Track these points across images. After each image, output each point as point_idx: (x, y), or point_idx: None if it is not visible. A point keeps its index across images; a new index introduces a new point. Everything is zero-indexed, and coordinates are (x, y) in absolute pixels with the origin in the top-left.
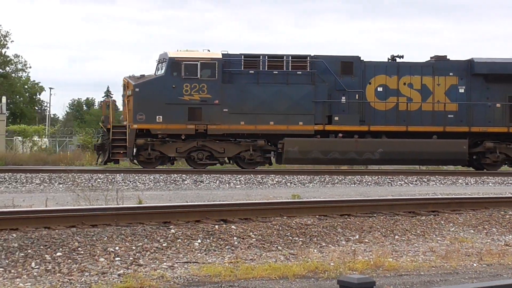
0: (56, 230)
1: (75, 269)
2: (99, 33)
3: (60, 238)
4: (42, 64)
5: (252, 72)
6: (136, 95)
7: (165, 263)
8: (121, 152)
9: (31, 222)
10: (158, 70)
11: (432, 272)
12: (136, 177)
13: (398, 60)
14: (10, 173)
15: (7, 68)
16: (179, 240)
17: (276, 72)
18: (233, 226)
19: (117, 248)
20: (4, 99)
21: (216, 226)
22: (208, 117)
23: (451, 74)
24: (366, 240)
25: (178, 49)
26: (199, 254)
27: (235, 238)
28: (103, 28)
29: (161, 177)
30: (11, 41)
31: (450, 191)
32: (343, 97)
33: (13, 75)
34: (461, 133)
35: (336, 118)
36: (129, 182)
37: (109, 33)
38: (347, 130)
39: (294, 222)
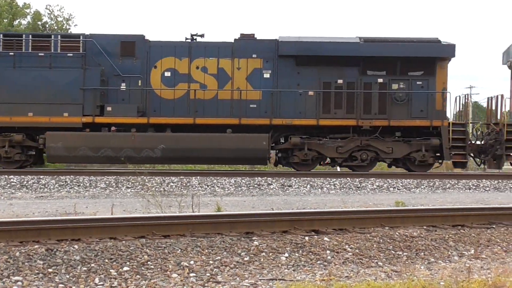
0: (123, 241)
1: (144, 286)
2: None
3: (128, 250)
4: None
5: (12, 54)
6: None
7: (247, 280)
8: None
9: (95, 232)
10: None
11: None
12: (215, 181)
13: (199, 39)
14: (72, 176)
15: None
16: (263, 253)
17: (42, 54)
18: (326, 238)
19: (192, 262)
20: None
21: (306, 238)
22: None
23: (254, 56)
24: (484, 256)
25: None
26: (286, 270)
27: (328, 251)
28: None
29: (243, 180)
30: (75, 25)
31: None
32: (123, 84)
33: None
34: (262, 126)
35: (109, 109)
36: (206, 187)
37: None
38: (122, 123)
39: (397, 233)
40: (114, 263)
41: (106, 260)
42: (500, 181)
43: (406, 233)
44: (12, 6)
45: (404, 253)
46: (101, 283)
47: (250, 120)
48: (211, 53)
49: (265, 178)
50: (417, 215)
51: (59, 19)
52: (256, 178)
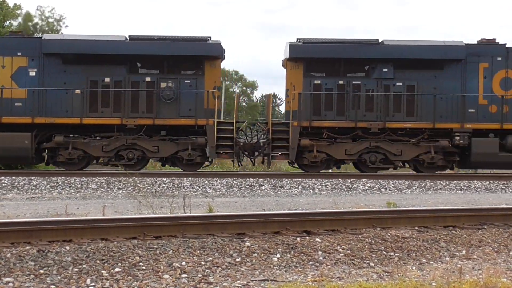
0: (115, 242)
1: (135, 287)
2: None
3: (119, 251)
4: None
5: None
6: None
7: (238, 281)
8: None
9: (87, 233)
10: None
11: None
12: (206, 182)
13: None
14: (63, 177)
15: None
16: (255, 254)
17: None
18: (317, 239)
19: (183, 263)
20: None
21: (298, 239)
22: None
23: (19, 54)
24: (475, 257)
25: None
26: (278, 271)
27: (320, 252)
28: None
29: (234, 181)
30: (66, 26)
31: None
32: None
33: None
34: (27, 125)
35: None
36: (198, 188)
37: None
38: None
39: (389, 234)
40: (106, 264)
41: (98, 261)
42: (491, 182)
43: (398, 234)
44: (2, 7)
45: (396, 254)
46: (93, 284)
47: (12, 118)
48: None
49: (257, 179)
50: (409, 216)
51: (50, 20)
52: (247, 179)
